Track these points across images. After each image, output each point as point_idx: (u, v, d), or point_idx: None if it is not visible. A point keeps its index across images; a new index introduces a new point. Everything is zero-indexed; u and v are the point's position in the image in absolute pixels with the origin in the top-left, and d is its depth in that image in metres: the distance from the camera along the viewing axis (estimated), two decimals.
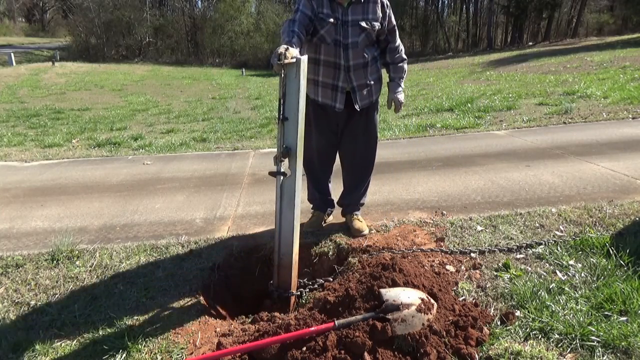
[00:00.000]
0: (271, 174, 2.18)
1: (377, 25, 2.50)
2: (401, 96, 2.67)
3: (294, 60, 1.99)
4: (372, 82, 2.60)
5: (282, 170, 2.15)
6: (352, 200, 2.92)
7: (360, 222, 2.89)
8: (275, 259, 2.33)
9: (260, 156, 5.18)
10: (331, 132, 2.72)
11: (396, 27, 2.64)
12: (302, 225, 2.74)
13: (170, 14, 34.37)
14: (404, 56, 2.70)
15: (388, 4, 2.55)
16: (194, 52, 32.76)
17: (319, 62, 2.53)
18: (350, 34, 2.46)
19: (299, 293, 2.39)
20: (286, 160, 2.15)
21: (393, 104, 2.68)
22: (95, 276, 2.53)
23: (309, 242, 2.80)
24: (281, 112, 2.07)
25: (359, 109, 2.59)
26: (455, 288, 2.19)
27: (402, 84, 2.69)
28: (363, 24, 2.46)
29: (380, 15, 2.51)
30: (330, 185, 2.99)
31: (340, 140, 2.77)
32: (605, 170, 3.82)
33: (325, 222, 3.03)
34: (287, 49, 1.98)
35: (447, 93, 9.80)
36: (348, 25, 2.46)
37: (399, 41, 2.66)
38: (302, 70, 2.02)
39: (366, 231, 2.84)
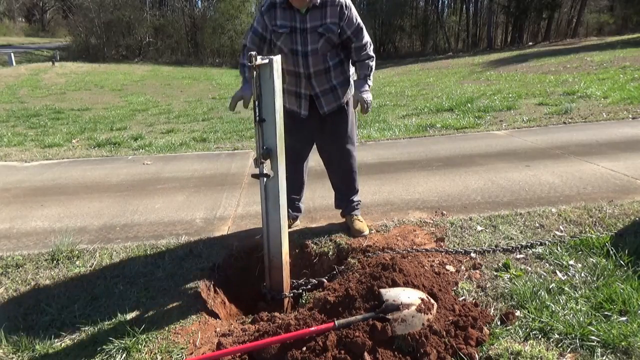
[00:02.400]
0: (254, 176, 2.18)
1: (336, 29, 2.43)
2: (367, 95, 2.52)
3: (267, 60, 1.99)
4: (338, 86, 2.59)
5: (264, 172, 2.14)
6: (344, 201, 2.93)
7: (361, 222, 2.89)
8: (265, 260, 2.33)
9: None
10: (301, 136, 2.70)
11: (362, 26, 2.51)
12: None
13: (170, 14, 34.34)
14: (371, 53, 2.57)
15: (348, 4, 2.44)
16: (194, 52, 32.74)
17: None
18: (310, 41, 2.44)
19: (292, 295, 2.38)
20: (268, 162, 2.14)
21: (359, 104, 2.54)
22: (95, 276, 2.53)
23: (308, 242, 2.80)
24: (257, 114, 2.06)
25: (324, 115, 2.60)
26: (455, 288, 2.19)
27: (370, 82, 2.56)
28: (321, 30, 2.42)
29: (339, 18, 2.42)
30: (301, 190, 2.96)
31: (316, 145, 2.79)
32: (605, 170, 3.82)
33: (290, 227, 2.87)
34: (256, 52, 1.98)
35: (447, 93, 9.80)
36: (307, 33, 2.43)
37: (365, 39, 2.52)
38: (275, 70, 2.01)
39: (366, 231, 2.84)
